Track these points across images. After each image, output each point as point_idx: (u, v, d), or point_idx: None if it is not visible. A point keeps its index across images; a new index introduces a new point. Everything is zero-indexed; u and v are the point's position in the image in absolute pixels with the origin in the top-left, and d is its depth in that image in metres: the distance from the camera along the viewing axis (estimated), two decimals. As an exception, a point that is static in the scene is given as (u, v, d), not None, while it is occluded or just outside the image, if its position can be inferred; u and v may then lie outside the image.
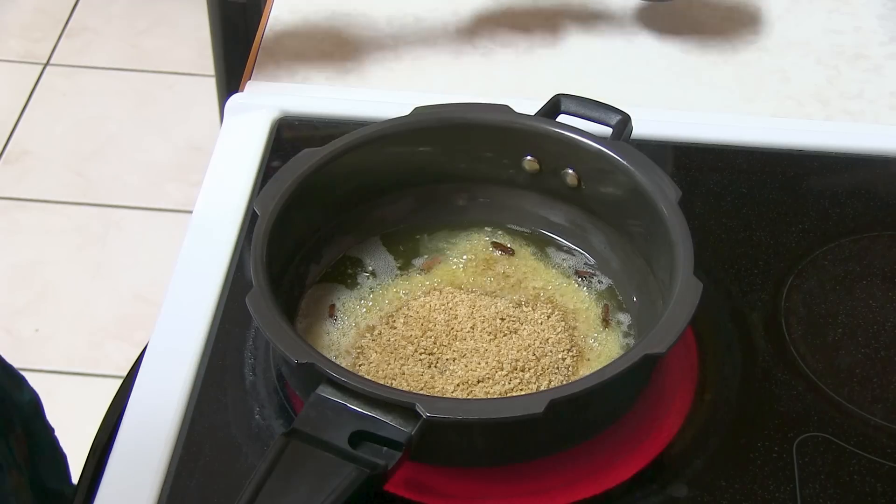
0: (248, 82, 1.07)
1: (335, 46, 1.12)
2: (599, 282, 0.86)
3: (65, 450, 1.03)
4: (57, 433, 1.02)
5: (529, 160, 0.87)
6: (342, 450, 0.67)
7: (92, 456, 0.90)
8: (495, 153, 0.88)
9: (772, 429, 0.79)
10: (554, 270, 0.87)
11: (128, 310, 1.90)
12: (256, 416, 0.79)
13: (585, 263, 0.87)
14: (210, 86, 1.80)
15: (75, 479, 0.91)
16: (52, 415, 1.02)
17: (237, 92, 1.05)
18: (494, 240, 0.89)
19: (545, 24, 1.15)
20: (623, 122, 0.86)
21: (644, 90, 1.08)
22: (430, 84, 1.08)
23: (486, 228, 0.90)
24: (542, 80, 1.08)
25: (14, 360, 0.98)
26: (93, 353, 1.84)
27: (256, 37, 1.12)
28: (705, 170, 0.99)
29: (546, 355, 0.79)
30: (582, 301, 0.85)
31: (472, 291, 0.85)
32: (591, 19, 1.15)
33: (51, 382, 1.77)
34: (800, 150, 1.01)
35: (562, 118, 0.87)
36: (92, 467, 0.88)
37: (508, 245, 0.88)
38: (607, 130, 0.86)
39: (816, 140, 1.02)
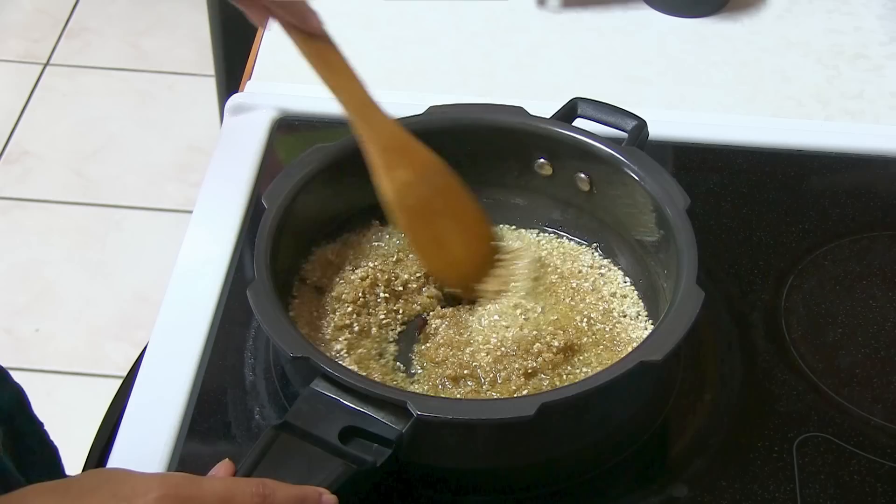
0: (248, 82, 1.07)
1: (335, 46, 1.11)
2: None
3: (66, 450, 1.03)
4: (57, 433, 1.02)
5: (542, 163, 0.87)
6: (331, 444, 0.67)
7: (92, 456, 0.90)
8: (508, 155, 0.87)
9: (772, 429, 0.79)
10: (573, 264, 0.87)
11: (128, 310, 1.90)
12: (256, 416, 0.79)
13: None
14: (210, 86, 1.80)
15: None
16: (53, 415, 1.02)
17: (237, 92, 1.05)
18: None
19: (545, 24, 1.15)
20: (639, 128, 0.86)
21: (644, 90, 1.07)
22: (431, 84, 1.07)
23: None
24: (542, 81, 1.08)
25: (14, 361, 0.98)
26: (93, 353, 1.84)
27: (256, 37, 1.12)
28: (705, 170, 0.99)
29: (547, 349, 0.79)
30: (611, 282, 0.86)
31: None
32: (591, 21, 1.15)
33: (51, 382, 1.77)
34: (800, 150, 1.01)
35: (578, 122, 0.87)
36: (92, 467, 0.88)
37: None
38: (622, 135, 0.86)
39: (816, 140, 1.02)
